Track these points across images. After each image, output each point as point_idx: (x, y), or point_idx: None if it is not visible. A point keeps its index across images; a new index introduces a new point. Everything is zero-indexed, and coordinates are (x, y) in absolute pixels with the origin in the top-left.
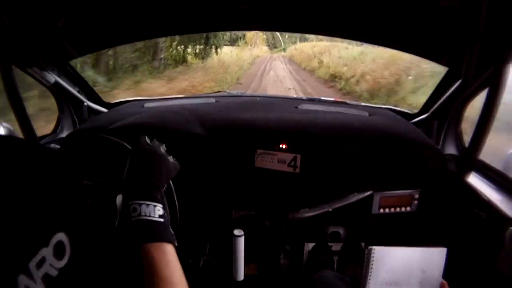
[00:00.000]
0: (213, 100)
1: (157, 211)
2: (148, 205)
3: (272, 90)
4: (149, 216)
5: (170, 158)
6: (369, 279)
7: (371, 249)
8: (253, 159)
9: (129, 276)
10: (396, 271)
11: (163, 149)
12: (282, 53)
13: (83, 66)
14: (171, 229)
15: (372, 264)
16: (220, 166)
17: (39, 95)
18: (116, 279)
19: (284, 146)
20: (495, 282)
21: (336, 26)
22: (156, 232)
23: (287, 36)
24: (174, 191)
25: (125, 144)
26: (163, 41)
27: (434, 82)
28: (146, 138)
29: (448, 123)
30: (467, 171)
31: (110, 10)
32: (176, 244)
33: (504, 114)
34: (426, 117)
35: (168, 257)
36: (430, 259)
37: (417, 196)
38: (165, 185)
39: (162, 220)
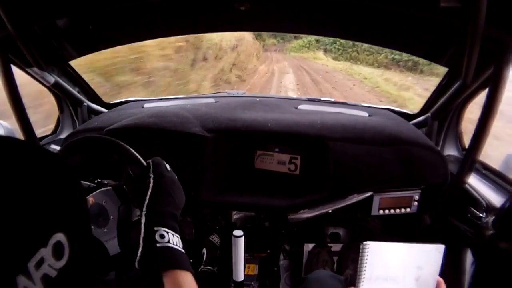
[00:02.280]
0: (213, 100)
1: (180, 242)
2: (173, 235)
3: None
4: (176, 245)
5: (181, 186)
6: (364, 273)
7: (366, 244)
8: (253, 160)
9: None
10: (391, 266)
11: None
12: None
13: None
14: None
15: (366, 258)
16: (219, 167)
17: None
18: None
19: (283, 148)
20: (495, 282)
21: (335, 27)
22: (184, 261)
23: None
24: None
25: (141, 160)
26: None
27: None
28: (165, 163)
29: (448, 124)
30: (467, 172)
31: (110, 10)
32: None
33: None
34: (426, 118)
35: (193, 284)
36: (427, 256)
37: (417, 197)
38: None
39: (183, 251)
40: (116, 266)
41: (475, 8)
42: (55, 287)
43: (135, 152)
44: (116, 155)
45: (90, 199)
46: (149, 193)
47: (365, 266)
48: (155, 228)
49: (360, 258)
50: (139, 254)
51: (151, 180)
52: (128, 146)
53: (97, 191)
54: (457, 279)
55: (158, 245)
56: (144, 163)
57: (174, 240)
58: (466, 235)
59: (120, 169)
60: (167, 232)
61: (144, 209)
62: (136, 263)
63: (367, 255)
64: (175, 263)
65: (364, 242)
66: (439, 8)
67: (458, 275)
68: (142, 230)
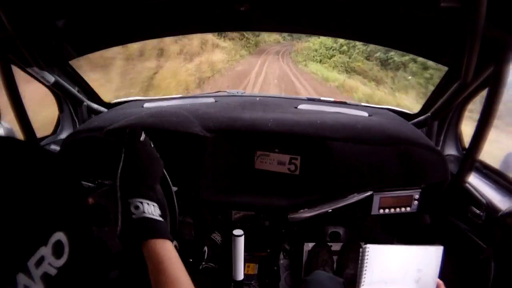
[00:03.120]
0: (212, 99)
1: (156, 210)
2: (148, 204)
3: None
4: (152, 214)
5: (157, 155)
6: (364, 277)
7: (365, 247)
8: (253, 161)
9: (129, 274)
10: (391, 269)
11: (152, 145)
12: None
13: None
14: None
15: (366, 262)
16: (219, 166)
17: None
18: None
19: (283, 148)
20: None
21: (335, 26)
22: (161, 229)
23: None
24: (173, 192)
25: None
26: None
27: None
28: (142, 133)
29: (448, 123)
30: (467, 171)
31: (110, 10)
32: (175, 243)
33: None
34: (426, 117)
35: (173, 253)
36: (427, 257)
37: (417, 196)
38: (158, 184)
39: (161, 219)
40: (120, 264)
41: (475, 8)
42: (55, 285)
43: (109, 137)
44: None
45: (90, 199)
46: (120, 166)
47: (365, 270)
48: (129, 200)
49: (360, 261)
50: (118, 228)
51: (122, 153)
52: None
53: (96, 192)
54: (457, 279)
55: (133, 216)
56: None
57: (149, 209)
58: (466, 234)
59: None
60: (141, 203)
61: (118, 182)
62: (117, 238)
63: (367, 259)
64: (151, 232)
65: (364, 245)
66: (439, 8)
67: (458, 275)
68: (119, 204)
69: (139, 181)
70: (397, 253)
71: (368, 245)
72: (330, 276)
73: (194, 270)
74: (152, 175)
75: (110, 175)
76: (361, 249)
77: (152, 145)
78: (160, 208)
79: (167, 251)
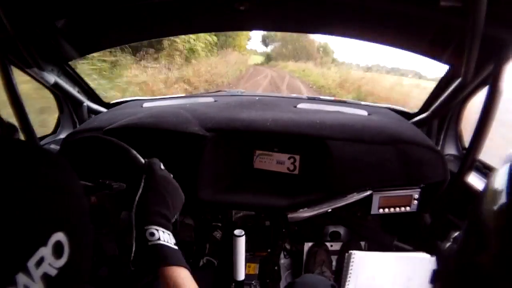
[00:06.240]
0: (211, 99)
1: (172, 239)
2: (164, 232)
3: None
4: (168, 242)
5: (178, 186)
6: (348, 283)
7: (350, 253)
8: (252, 160)
9: None
10: (379, 277)
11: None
12: None
13: None
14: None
15: (351, 269)
16: (218, 166)
17: None
18: None
19: (282, 147)
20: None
21: (335, 25)
22: (178, 257)
23: None
24: None
25: (139, 158)
26: None
27: None
28: (161, 164)
29: (448, 123)
30: (467, 171)
31: (110, 10)
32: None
33: None
34: (426, 117)
35: (190, 281)
36: (416, 266)
37: (416, 196)
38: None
39: (177, 248)
40: (110, 264)
41: (474, 7)
42: (55, 286)
43: (133, 151)
44: (115, 154)
45: (93, 198)
46: (139, 193)
47: (350, 276)
48: (145, 227)
49: (344, 267)
50: (132, 255)
51: (142, 180)
52: (127, 146)
53: (100, 192)
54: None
55: (149, 243)
56: (142, 160)
57: (165, 237)
58: (465, 234)
59: (121, 169)
60: (157, 230)
61: (134, 208)
62: (130, 264)
63: (352, 265)
64: (167, 259)
65: (350, 251)
66: (439, 7)
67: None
68: (134, 230)
69: (156, 211)
70: (385, 261)
71: (353, 252)
72: (320, 279)
73: (194, 267)
74: (170, 205)
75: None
76: (346, 255)
77: (172, 176)
78: (176, 239)
79: (185, 279)
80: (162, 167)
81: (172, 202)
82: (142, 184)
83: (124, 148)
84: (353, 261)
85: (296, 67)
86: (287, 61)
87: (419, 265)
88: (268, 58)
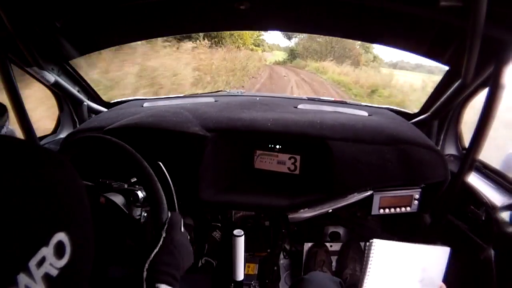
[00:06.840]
0: (212, 99)
1: None
2: None
3: None
4: None
5: (191, 249)
6: (369, 271)
7: (372, 242)
8: (253, 160)
9: None
10: (396, 266)
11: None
12: None
13: None
14: None
15: (372, 257)
16: (219, 166)
17: None
18: None
19: (283, 147)
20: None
21: (335, 25)
22: None
23: None
24: (173, 192)
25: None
26: None
27: None
28: (182, 223)
29: (448, 123)
30: (467, 171)
31: (110, 9)
32: None
33: None
34: (426, 117)
35: None
36: (432, 257)
37: (417, 196)
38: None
39: None
40: (121, 261)
41: (475, 7)
42: (56, 286)
43: (138, 155)
44: (115, 154)
45: (102, 198)
46: (155, 251)
47: (370, 265)
48: (156, 285)
49: (365, 256)
50: None
51: (161, 240)
52: (132, 149)
53: (109, 193)
54: (458, 279)
55: None
56: (164, 215)
57: None
58: (466, 234)
59: (121, 169)
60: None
61: (147, 264)
62: None
63: (373, 254)
64: None
65: (370, 240)
66: (439, 7)
67: (459, 275)
68: (144, 284)
69: (168, 272)
70: (402, 250)
71: (374, 240)
72: (328, 277)
73: (193, 268)
74: (180, 268)
75: (109, 174)
76: (367, 244)
77: (188, 237)
78: None
79: None
80: (183, 229)
81: (183, 266)
82: (160, 244)
83: (129, 152)
84: (373, 250)
85: (331, 70)
86: (321, 60)
87: (434, 256)
88: (293, 55)
